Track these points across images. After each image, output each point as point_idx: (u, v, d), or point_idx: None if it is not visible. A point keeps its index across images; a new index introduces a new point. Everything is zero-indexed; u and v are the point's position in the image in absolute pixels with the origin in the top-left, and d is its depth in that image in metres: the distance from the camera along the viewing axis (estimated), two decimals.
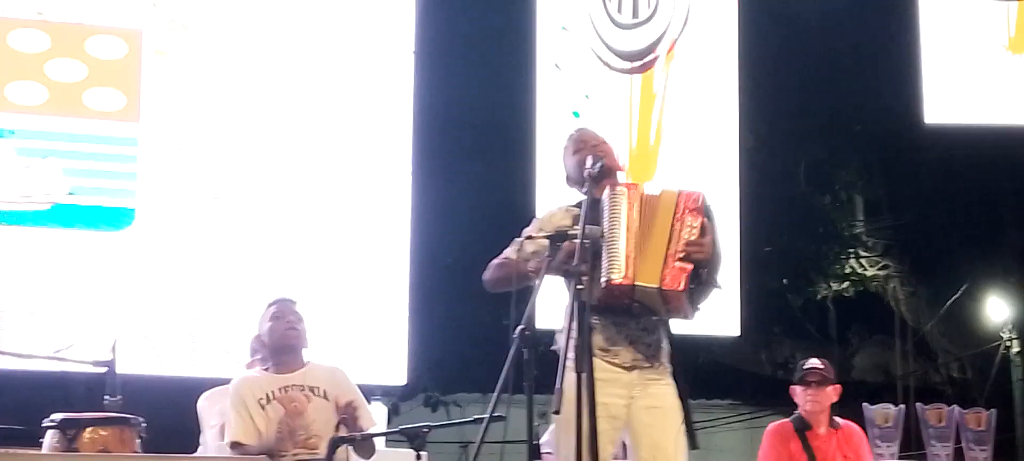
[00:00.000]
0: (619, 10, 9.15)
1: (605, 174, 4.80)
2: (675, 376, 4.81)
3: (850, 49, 12.14)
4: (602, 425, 4.37)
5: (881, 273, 13.47)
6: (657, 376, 4.77)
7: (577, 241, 4.45)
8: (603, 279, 4.55)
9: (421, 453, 4.91)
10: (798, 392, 6.47)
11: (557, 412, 4.25)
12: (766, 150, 11.92)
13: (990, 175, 12.05)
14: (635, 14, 9.17)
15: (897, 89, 10.72)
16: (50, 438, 4.70)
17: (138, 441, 4.78)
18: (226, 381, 5.66)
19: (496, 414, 4.29)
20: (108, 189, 7.96)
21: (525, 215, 8.26)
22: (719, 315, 8.58)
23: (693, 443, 4.78)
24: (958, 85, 9.69)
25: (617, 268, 4.54)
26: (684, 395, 4.79)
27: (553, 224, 4.85)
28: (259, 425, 5.38)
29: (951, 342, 13.88)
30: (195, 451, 5.78)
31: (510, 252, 4.86)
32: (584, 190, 4.75)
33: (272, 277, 7.84)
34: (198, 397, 5.94)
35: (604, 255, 4.57)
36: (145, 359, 7.68)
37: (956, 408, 10.67)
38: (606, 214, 4.63)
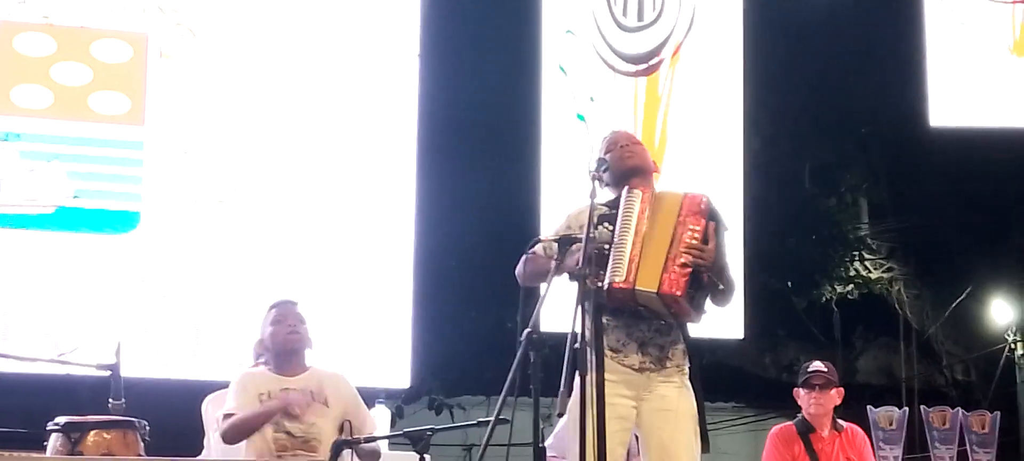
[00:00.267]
0: (624, 13, 9.15)
1: (630, 174, 4.80)
2: (691, 378, 4.81)
3: (855, 52, 12.12)
4: (611, 426, 4.36)
5: (886, 276, 13.44)
6: (667, 379, 4.76)
7: (584, 244, 4.45)
8: (606, 282, 4.55)
9: (425, 456, 4.91)
10: (801, 395, 6.46)
11: (561, 415, 4.25)
12: (771, 153, 11.91)
13: (995, 178, 12.02)
14: (640, 17, 9.18)
15: (902, 92, 10.72)
16: (54, 441, 4.70)
17: (142, 444, 4.78)
18: (230, 385, 5.66)
19: (501, 417, 4.30)
20: (113, 192, 7.97)
21: (530, 218, 8.31)
22: (723, 317, 8.56)
23: (705, 446, 4.77)
24: (963, 88, 9.69)
25: (619, 271, 4.55)
26: (699, 396, 4.78)
27: (580, 222, 4.84)
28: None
29: (955, 345, 13.86)
30: (199, 454, 5.77)
31: (538, 247, 4.86)
32: (619, 190, 4.76)
33: (277, 280, 7.85)
34: (202, 400, 5.94)
35: (611, 257, 4.57)
36: (149, 362, 7.69)
37: (960, 411, 10.69)
38: (619, 215, 4.64)
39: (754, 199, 9.39)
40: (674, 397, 4.76)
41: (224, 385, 5.80)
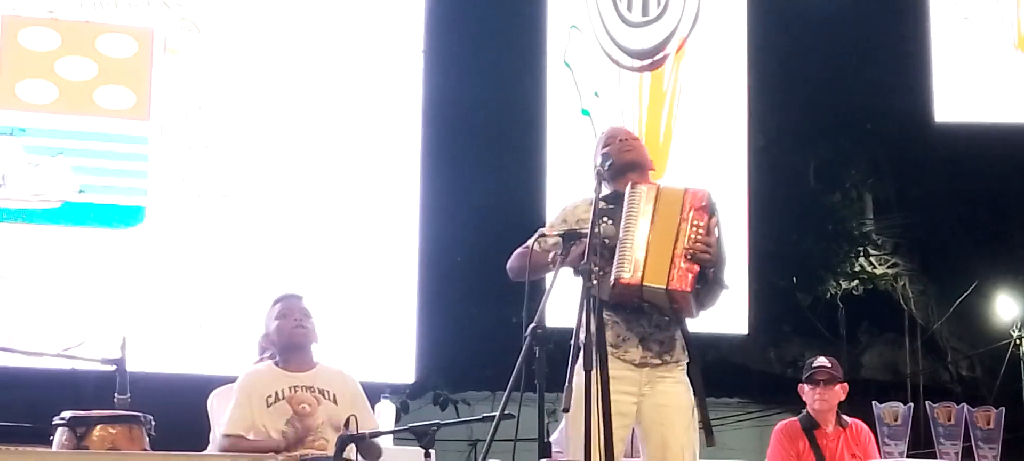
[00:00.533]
0: (629, 8, 9.14)
1: (628, 169, 4.80)
2: (689, 373, 4.81)
3: (860, 47, 12.12)
4: (612, 422, 4.36)
5: (891, 271, 13.45)
6: (667, 374, 4.77)
7: (588, 239, 4.45)
8: (612, 278, 4.55)
9: (430, 451, 4.91)
10: (806, 391, 6.47)
11: (566, 410, 4.26)
12: (776, 148, 11.91)
13: (1000, 173, 12.01)
14: (645, 12, 9.16)
15: (907, 87, 10.71)
16: (60, 436, 4.70)
17: (147, 439, 4.79)
18: (236, 379, 5.66)
19: (506, 412, 4.30)
20: (118, 187, 7.97)
21: (535, 213, 8.31)
22: (727, 313, 8.57)
23: (710, 439, 4.77)
24: (968, 83, 9.67)
25: (627, 267, 4.55)
26: (699, 391, 4.79)
27: (577, 216, 4.86)
28: (264, 423, 5.35)
29: (960, 340, 13.86)
30: (205, 449, 5.78)
31: (533, 242, 4.87)
32: (615, 186, 4.75)
33: (282, 275, 7.84)
34: (208, 395, 5.94)
35: (616, 252, 4.57)
36: (155, 357, 7.68)
37: (965, 406, 10.65)
38: (624, 211, 4.63)
39: (758, 195, 9.38)
40: (674, 392, 4.77)
41: (230, 379, 5.81)
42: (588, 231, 4.48)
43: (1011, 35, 9.63)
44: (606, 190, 4.85)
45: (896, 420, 9.55)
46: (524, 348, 4.21)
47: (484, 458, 4.44)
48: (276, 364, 5.52)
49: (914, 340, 13.67)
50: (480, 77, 10.70)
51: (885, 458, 7.66)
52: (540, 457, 4.35)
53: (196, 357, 7.92)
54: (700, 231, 4.60)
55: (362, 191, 8.37)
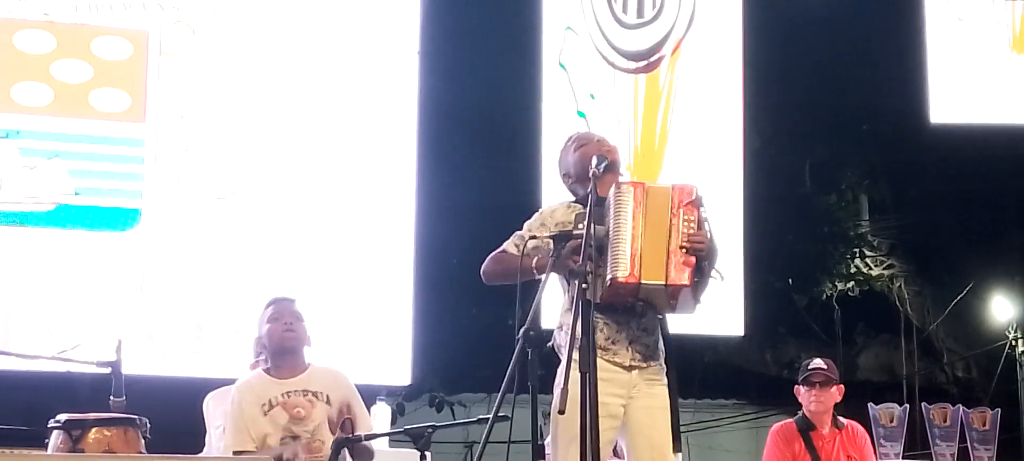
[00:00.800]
0: (624, 10, 9.15)
1: (609, 171, 4.81)
2: (668, 375, 4.83)
3: (855, 49, 12.12)
4: (600, 424, 4.36)
5: (886, 272, 13.45)
6: (655, 376, 4.78)
7: (581, 240, 4.45)
8: (608, 277, 4.55)
9: (426, 453, 4.91)
10: (802, 392, 6.46)
11: (562, 412, 4.26)
12: (771, 150, 11.92)
13: (996, 174, 12.04)
14: (640, 14, 9.17)
15: (902, 89, 10.72)
16: (55, 439, 4.69)
17: (143, 442, 4.78)
18: (231, 381, 5.63)
19: (500, 414, 4.30)
20: (113, 190, 7.97)
21: (530, 215, 8.29)
22: (724, 314, 8.59)
23: (677, 445, 4.80)
24: (963, 85, 9.68)
25: (622, 266, 4.54)
26: (673, 394, 4.81)
27: (556, 220, 4.86)
28: (261, 432, 5.30)
29: (956, 341, 13.87)
30: (200, 451, 5.78)
31: (510, 246, 4.87)
32: (588, 188, 4.74)
33: (277, 277, 7.84)
34: (203, 397, 5.94)
35: (609, 253, 4.57)
36: (150, 359, 7.69)
37: (961, 407, 10.69)
38: (611, 212, 4.63)
39: (754, 196, 9.38)
40: (660, 394, 4.78)
41: (225, 382, 5.80)
42: (581, 232, 4.48)
43: (1006, 37, 9.65)
44: (579, 192, 4.88)
45: (892, 421, 9.59)
46: (517, 350, 4.21)
47: (478, 460, 4.44)
48: (267, 371, 5.46)
49: (910, 341, 13.68)
50: (476, 79, 10.70)
51: (881, 459, 7.67)
52: (534, 459, 4.34)
53: (191, 360, 7.93)
54: (691, 225, 4.61)
55: (358, 193, 8.38)
